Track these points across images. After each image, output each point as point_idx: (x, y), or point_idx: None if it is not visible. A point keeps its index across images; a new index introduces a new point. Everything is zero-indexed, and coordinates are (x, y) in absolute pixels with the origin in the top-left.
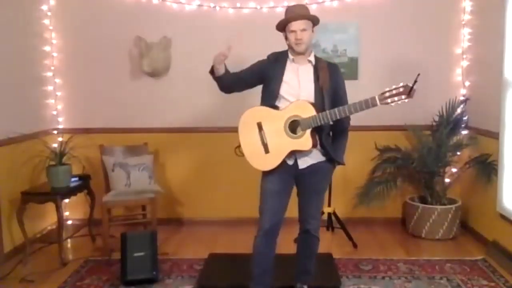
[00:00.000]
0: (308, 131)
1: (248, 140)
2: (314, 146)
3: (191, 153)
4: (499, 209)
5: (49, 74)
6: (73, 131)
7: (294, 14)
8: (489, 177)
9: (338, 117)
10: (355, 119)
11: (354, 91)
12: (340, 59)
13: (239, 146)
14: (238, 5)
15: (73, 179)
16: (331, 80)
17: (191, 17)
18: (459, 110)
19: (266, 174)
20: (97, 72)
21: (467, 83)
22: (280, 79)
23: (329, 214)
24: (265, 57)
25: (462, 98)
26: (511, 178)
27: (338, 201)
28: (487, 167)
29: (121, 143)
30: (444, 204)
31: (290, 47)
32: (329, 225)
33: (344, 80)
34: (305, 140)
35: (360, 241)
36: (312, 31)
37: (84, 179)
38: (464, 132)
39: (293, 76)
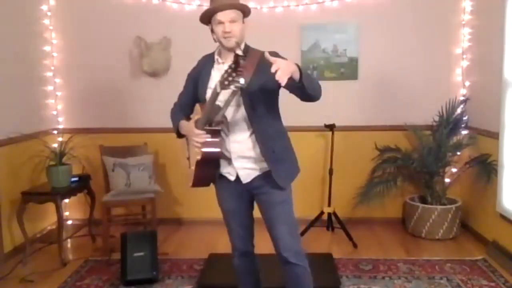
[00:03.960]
0: None
1: (182, 155)
2: (211, 155)
3: None
4: (499, 209)
5: (49, 74)
6: (73, 131)
7: (220, 3)
8: (489, 177)
9: (212, 113)
10: (355, 119)
11: (354, 91)
12: (340, 59)
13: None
14: None
15: (73, 179)
16: (257, 74)
17: (191, 17)
18: (459, 110)
19: (216, 191)
20: (97, 72)
21: (467, 83)
22: (205, 86)
23: (329, 214)
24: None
25: (462, 98)
26: (511, 178)
27: (338, 201)
28: (487, 167)
29: (121, 143)
30: (444, 204)
31: (218, 43)
32: (329, 225)
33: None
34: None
35: (360, 241)
36: (243, 22)
37: (84, 179)
38: (464, 132)
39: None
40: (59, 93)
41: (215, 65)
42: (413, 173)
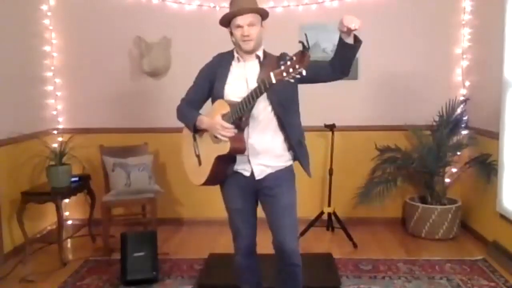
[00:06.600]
0: None
1: (186, 153)
2: (237, 151)
3: None
4: (499, 209)
5: (49, 74)
6: (73, 131)
7: (239, 7)
8: (489, 177)
9: (246, 108)
10: (355, 119)
11: (354, 91)
12: None
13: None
14: None
15: (73, 179)
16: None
17: (191, 17)
18: (459, 110)
19: (223, 190)
20: (97, 72)
21: (467, 83)
22: (224, 82)
23: (329, 214)
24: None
25: (462, 98)
26: (511, 178)
27: (338, 201)
28: (487, 167)
29: (121, 143)
30: (444, 204)
31: (236, 45)
32: (329, 225)
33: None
34: (223, 143)
35: (360, 241)
36: (261, 25)
37: (84, 179)
38: (464, 132)
39: (240, 76)
40: (59, 93)
41: (234, 63)
42: (413, 173)
